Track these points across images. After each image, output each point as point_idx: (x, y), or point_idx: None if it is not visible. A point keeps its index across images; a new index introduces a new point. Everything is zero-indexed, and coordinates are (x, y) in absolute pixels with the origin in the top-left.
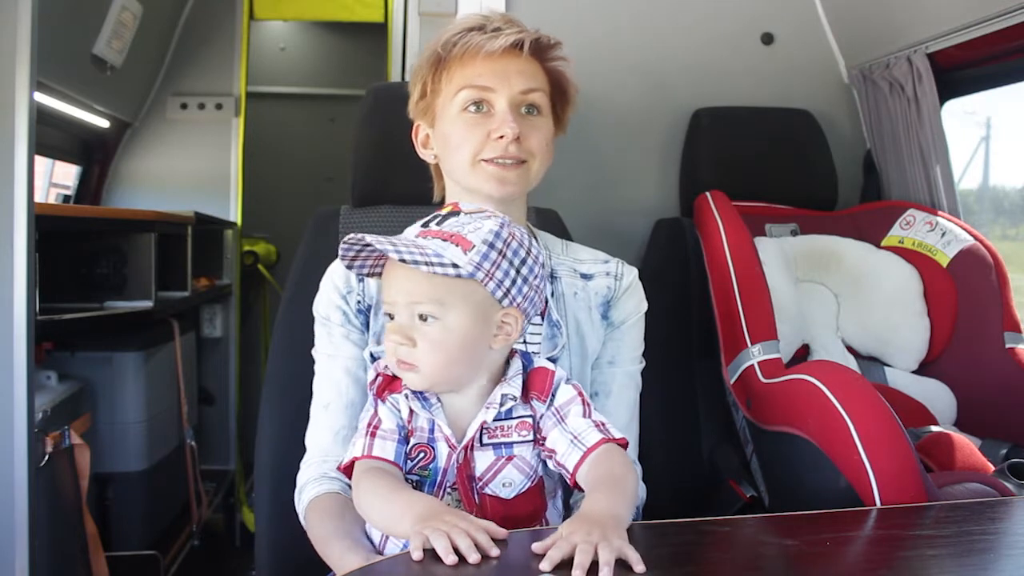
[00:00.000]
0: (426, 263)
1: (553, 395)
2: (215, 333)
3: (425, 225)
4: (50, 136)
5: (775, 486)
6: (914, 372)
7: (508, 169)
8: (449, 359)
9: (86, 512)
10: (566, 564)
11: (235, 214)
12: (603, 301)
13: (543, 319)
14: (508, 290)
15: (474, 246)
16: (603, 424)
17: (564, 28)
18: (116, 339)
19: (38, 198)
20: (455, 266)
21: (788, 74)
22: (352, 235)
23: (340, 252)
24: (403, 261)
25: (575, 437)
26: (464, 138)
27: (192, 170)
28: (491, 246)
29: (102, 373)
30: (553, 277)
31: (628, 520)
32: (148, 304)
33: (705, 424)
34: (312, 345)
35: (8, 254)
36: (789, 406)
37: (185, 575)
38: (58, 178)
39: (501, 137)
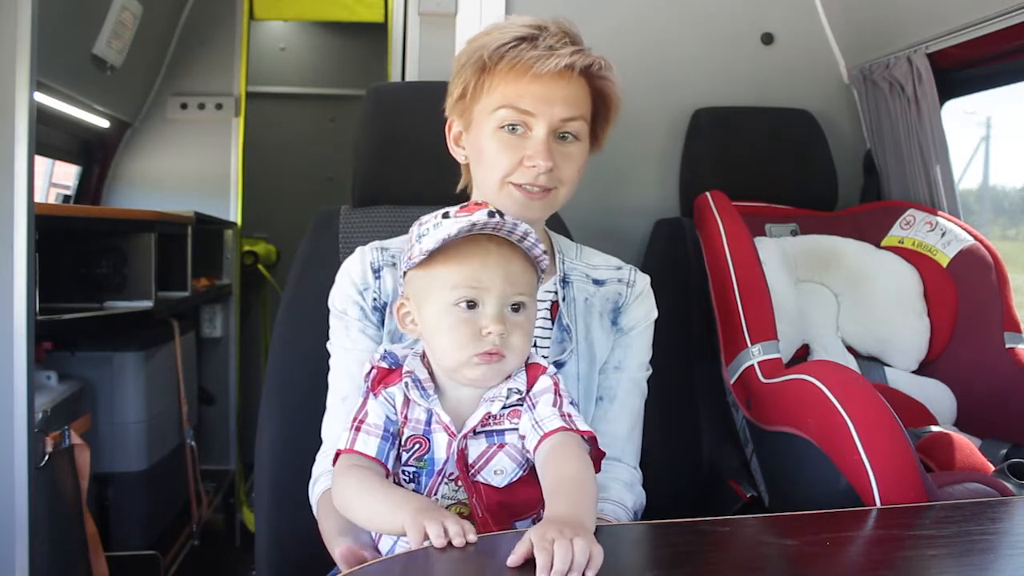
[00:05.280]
0: (544, 252)
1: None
2: (215, 333)
3: (500, 216)
4: (50, 136)
5: (775, 486)
6: (914, 372)
7: (534, 197)
8: (527, 350)
9: (86, 512)
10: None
11: (235, 214)
12: (613, 307)
13: (553, 323)
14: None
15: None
16: (569, 416)
17: None
18: (116, 339)
19: (38, 198)
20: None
21: (788, 74)
22: (490, 210)
23: (466, 220)
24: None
25: (537, 422)
26: (496, 158)
27: (192, 170)
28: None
29: (102, 373)
30: (565, 282)
31: (592, 523)
32: (148, 304)
33: (705, 424)
34: (312, 345)
35: (8, 254)
36: (789, 406)
37: (185, 575)
38: (58, 178)
39: (534, 166)
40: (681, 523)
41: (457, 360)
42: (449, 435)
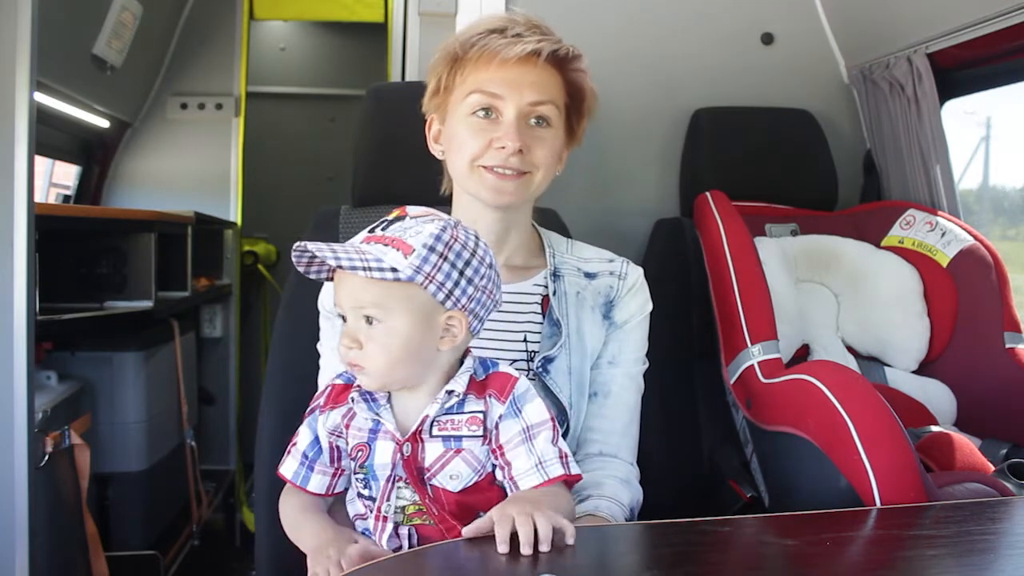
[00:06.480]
0: (364, 268)
1: (518, 403)
2: (215, 333)
3: (371, 231)
4: (50, 136)
5: (775, 486)
6: (914, 372)
7: (507, 180)
8: (393, 360)
9: (86, 512)
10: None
11: (235, 214)
12: (605, 300)
13: (544, 317)
14: (451, 292)
15: (414, 250)
16: (566, 457)
17: (563, 28)
18: (116, 339)
19: (38, 198)
20: (394, 270)
21: (788, 74)
22: (298, 243)
23: (293, 259)
24: (341, 267)
25: (540, 462)
26: (467, 141)
27: (192, 170)
28: (431, 249)
29: (102, 373)
30: (556, 275)
31: (557, 509)
32: (148, 304)
33: (705, 424)
34: (312, 344)
35: (8, 254)
36: (789, 406)
37: (185, 575)
38: (58, 178)
39: (503, 147)
40: (681, 523)
41: None
42: (396, 442)
